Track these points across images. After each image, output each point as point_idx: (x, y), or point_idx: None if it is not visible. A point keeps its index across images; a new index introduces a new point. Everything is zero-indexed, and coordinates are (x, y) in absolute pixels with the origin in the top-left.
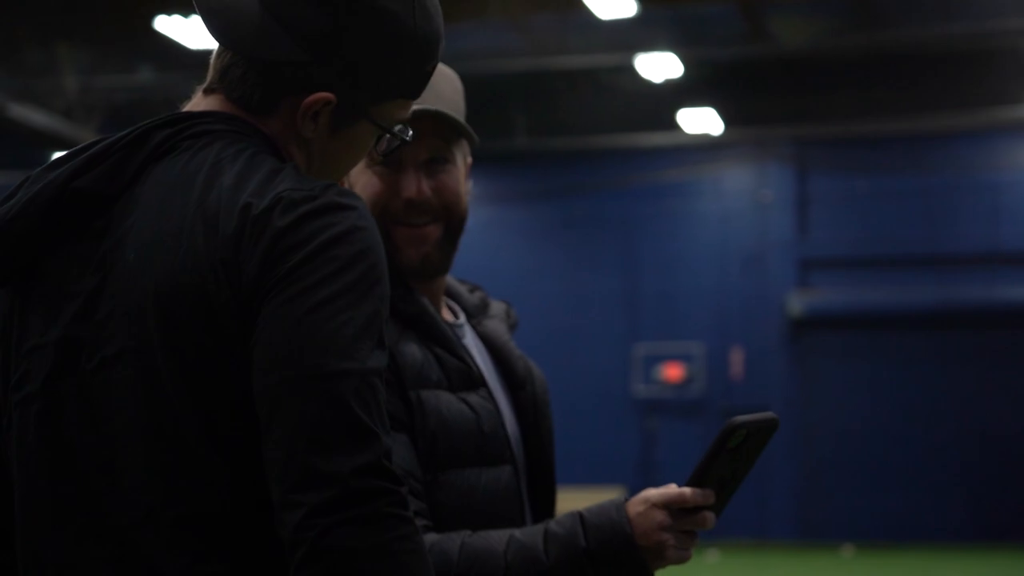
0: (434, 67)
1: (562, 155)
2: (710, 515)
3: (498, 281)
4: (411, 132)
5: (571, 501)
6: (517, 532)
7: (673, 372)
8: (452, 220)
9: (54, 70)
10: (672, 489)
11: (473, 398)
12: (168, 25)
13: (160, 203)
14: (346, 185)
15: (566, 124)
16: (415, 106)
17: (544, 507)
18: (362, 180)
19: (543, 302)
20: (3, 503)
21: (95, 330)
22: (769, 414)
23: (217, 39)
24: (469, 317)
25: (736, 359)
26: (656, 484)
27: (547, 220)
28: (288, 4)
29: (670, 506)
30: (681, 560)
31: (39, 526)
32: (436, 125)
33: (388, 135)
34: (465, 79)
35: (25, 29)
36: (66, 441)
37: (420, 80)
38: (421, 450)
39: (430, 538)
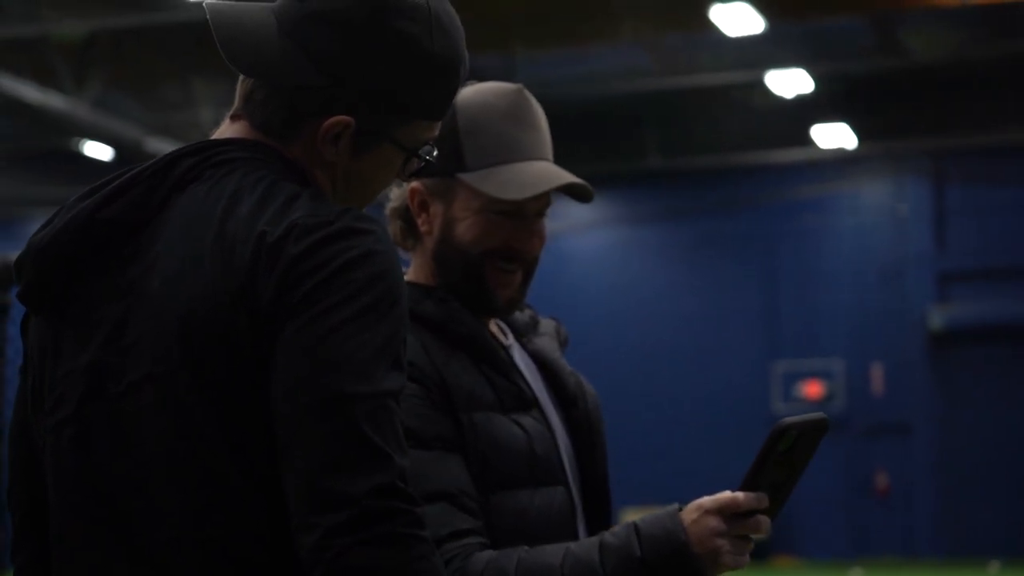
0: (456, 88)
1: (695, 174)
2: (764, 519)
3: (635, 301)
4: (537, 190)
5: None
6: (573, 545)
7: (813, 389)
8: (534, 265)
9: (190, 104)
10: (725, 495)
11: (526, 419)
12: None
13: (183, 231)
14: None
15: (699, 143)
16: (567, 179)
17: (600, 525)
18: (472, 220)
19: (680, 322)
20: (44, 527)
21: (122, 356)
22: (819, 415)
23: (236, 66)
24: (518, 336)
25: (876, 375)
26: (797, 503)
27: (683, 239)
28: (306, 29)
29: (723, 512)
30: (737, 565)
31: (72, 549)
32: None
33: (415, 156)
34: (597, 100)
35: (162, 64)
36: (97, 465)
37: (443, 101)
38: (474, 472)
39: (487, 555)
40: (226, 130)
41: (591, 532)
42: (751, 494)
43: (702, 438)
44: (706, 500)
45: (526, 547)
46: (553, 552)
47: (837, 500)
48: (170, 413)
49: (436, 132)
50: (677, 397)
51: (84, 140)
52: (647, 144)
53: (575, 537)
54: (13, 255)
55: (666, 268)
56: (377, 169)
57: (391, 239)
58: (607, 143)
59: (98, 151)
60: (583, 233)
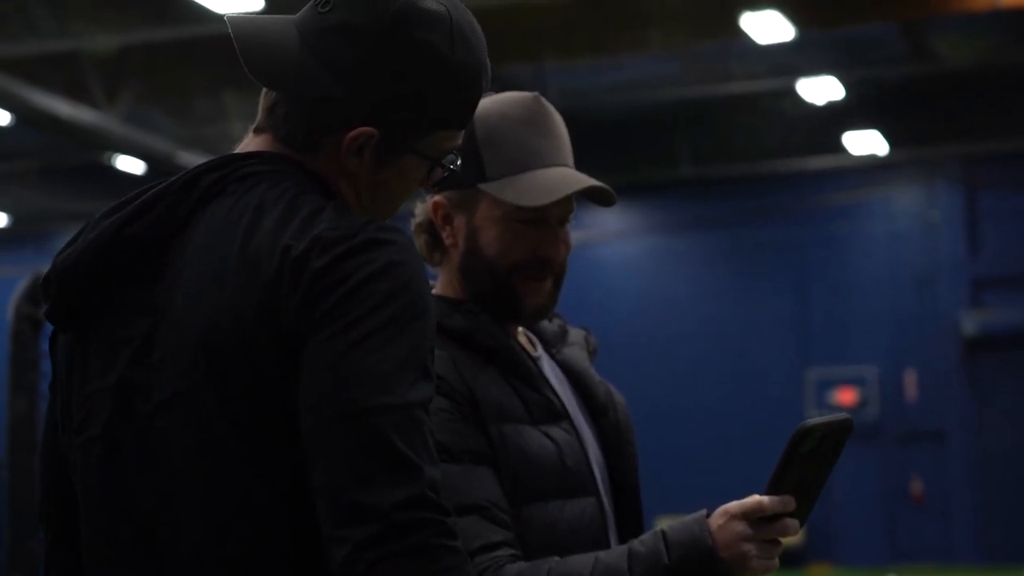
0: (479, 97)
1: (727, 182)
2: (792, 522)
3: (666, 309)
4: (557, 195)
5: None
6: (602, 554)
7: (846, 397)
8: (562, 272)
9: (222, 117)
10: (750, 499)
11: (555, 431)
12: None
13: (208, 247)
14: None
15: (730, 151)
16: (587, 183)
17: (632, 535)
18: (496, 230)
19: (713, 330)
20: (76, 543)
21: (149, 374)
22: (842, 415)
23: (257, 79)
24: (547, 346)
25: (910, 382)
26: (833, 510)
27: (715, 247)
28: (327, 40)
29: (749, 516)
30: (766, 570)
31: (102, 566)
32: None
33: (439, 166)
34: (628, 109)
35: (194, 78)
36: (125, 483)
37: (465, 111)
38: (504, 484)
39: (518, 567)
40: (249, 143)
41: (623, 542)
42: (776, 497)
43: (735, 446)
44: (732, 505)
45: (556, 558)
46: (583, 562)
47: (873, 507)
48: (194, 429)
49: (459, 141)
50: (709, 405)
51: (116, 154)
52: (678, 153)
53: (607, 547)
54: (45, 269)
55: (698, 276)
56: (401, 180)
57: (415, 249)
58: (638, 152)
59: (130, 165)
60: (614, 242)
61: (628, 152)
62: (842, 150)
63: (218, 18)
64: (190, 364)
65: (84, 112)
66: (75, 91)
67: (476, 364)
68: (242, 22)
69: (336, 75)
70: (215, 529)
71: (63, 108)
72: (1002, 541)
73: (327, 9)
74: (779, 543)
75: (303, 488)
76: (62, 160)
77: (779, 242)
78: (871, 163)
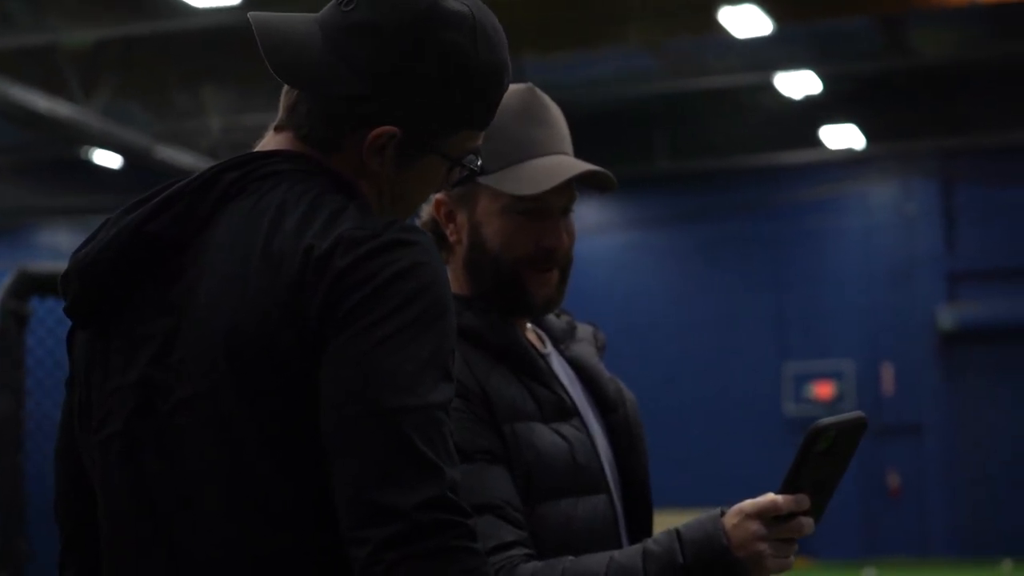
0: (501, 96)
1: (704, 176)
2: (807, 521)
3: (645, 304)
4: (554, 182)
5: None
6: (616, 554)
7: (824, 390)
8: (568, 263)
9: (200, 111)
10: (766, 498)
11: (566, 429)
12: None
13: (230, 246)
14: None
15: (707, 145)
16: (583, 167)
17: (641, 530)
18: (497, 223)
19: (690, 324)
20: (95, 542)
21: (170, 373)
22: (856, 413)
23: (281, 77)
24: (556, 342)
25: (887, 375)
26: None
27: (692, 242)
28: (351, 39)
29: (764, 515)
30: (782, 568)
31: (122, 566)
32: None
33: (459, 166)
34: (606, 104)
35: (170, 73)
36: (146, 481)
37: (487, 111)
38: (518, 483)
39: (532, 566)
40: (270, 142)
41: (632, 538)
42: (791, 496)
43: (714, 440)
44: (746, 504)
45: (571, 557)
46: (597, 561)
47: (850, 501)
48: (216, 429)
49: (480, 141)
50: (688, 399)
51: (93, 148)
52: (656, 147)
53: (618, 545)
54: (30, 264)
55: (676, 270)
56: (422, 179)
57: (437, 250)
58: (616, 146)
59: (107, 159)
60: (592, 237)
61: (605, 147)
62: (819, 144)
63: (196, 12)
64: (211, 364)
65: (61, 106)
66: (52, 85)
67: (488, 362)
68: (265, 19)
69: (360, 74)
70: (238, 530)
71: (40, 102)
72: (978, 535)
73: (350, 7)
74: (794, 542)
75: (326, 488)
76: (39, 154)
77: (756, 236)
78: (848, 157)
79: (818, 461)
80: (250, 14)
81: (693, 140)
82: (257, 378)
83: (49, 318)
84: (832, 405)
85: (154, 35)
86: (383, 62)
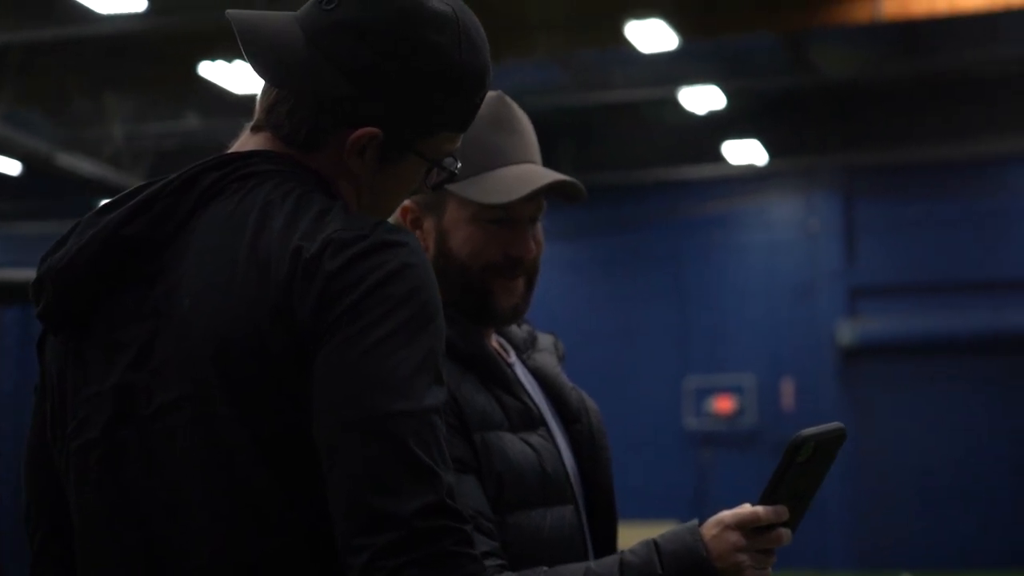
0: (482, 99)
1: (608, 190)
2: (786, 532)
3: (548, 317)
4: (524, 191)
5: (626, 536)
6: (593, 564)
7: (724, 404)
8: (535, 271)
9: (101, 119)
10: (745, 509)
11: (534, 438)
12: (212, 71)
13: (212, 248)
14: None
15: (611, 159)
16: (553, 177)
17: (605, 541)
18: (465, 231)
19: (592, 337)
20: (68, 550)
21: (151, 377)
22: (836, 424)
23: (263, 76)
24: (518, 352)
25: (787, 390)
26: (709, 517)
27: (594, 255)
28: (334, 39)
29: (743, 526)
30: None
31: (103, 572)
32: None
33: (438, 168)
34: None
35: (72, 80)
36: (128, 487)
37: (468, 113)
38: (488, 493)
39: None
40: (247, 142)
41: (597, 548)
42: (771, 508)
43: (615, 452)
44: (726, 515)
45: (546, 568)
46: (573, 572)
47: None
48: (204, 435)
49: (459, 143)
50: None
51: None
52: (561, 160)
53: (585, 555)
54: None
55: (578, 284)
56: (400, 180)
57: (424, 251)
58: None
59: (7, 166)
60: None
61: None
62: (722, 159)
63: (98, 18)
64: (199, 368)
65: None
66: None
67: (458, 371)
68: (244, 17)
69: (344, 73)
70: (226, 537)
71: None
72: (877, 548)
73: (332, 6)
74: (772, 553)
75: (318, 493)
76: None
77: (658, 250)
78: (750, 172)
79: (797, 472)
80: (228, 12)
81: (597, 153)
82: (246, 382)
83: None
84: (732, 420)
85: (56, 41)
86: (366, 62)
